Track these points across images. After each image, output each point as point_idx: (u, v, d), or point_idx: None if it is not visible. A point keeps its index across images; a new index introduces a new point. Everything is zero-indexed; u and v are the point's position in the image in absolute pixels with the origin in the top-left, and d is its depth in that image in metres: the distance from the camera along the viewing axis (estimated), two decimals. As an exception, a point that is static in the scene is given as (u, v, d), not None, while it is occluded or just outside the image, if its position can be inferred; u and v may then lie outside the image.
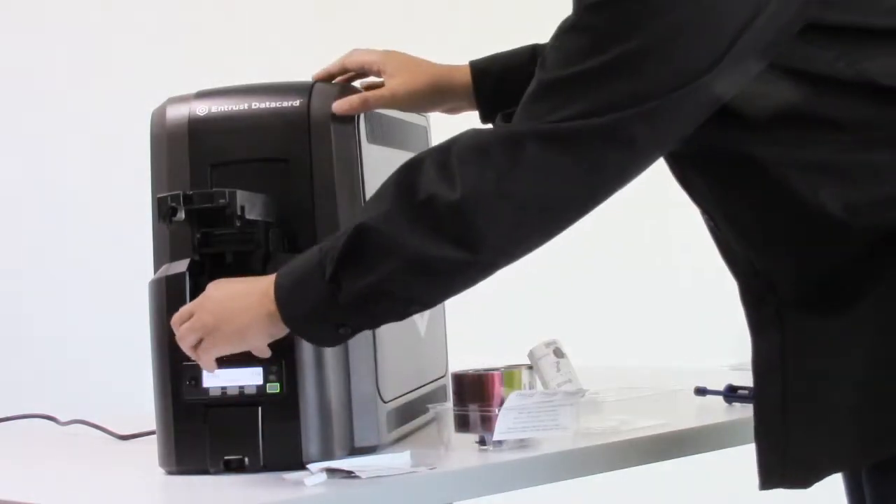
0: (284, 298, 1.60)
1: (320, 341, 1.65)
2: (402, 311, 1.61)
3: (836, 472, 1.60)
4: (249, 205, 1.68)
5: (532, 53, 1.91)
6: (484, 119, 1.94)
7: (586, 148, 1.49)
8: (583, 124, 1.47)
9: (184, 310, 1.66)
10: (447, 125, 2.00)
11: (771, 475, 1.58)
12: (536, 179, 1.50)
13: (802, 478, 1.56)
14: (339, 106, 1.76)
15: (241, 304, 1.62)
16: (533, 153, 1.49)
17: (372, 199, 1.60)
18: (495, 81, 1.90)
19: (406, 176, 1.56)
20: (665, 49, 1.47)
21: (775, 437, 1.58)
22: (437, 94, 1.88)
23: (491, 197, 1.50)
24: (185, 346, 1.65)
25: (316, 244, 1.72)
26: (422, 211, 1.52)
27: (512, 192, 1.50)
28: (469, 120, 1.96)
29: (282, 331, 1.63)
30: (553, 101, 1.50)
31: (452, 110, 1.94)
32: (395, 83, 1.84)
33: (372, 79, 1.89)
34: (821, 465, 1.56)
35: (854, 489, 1.67)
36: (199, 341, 1.64)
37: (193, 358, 1.66)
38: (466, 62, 1.91)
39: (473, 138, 1.53)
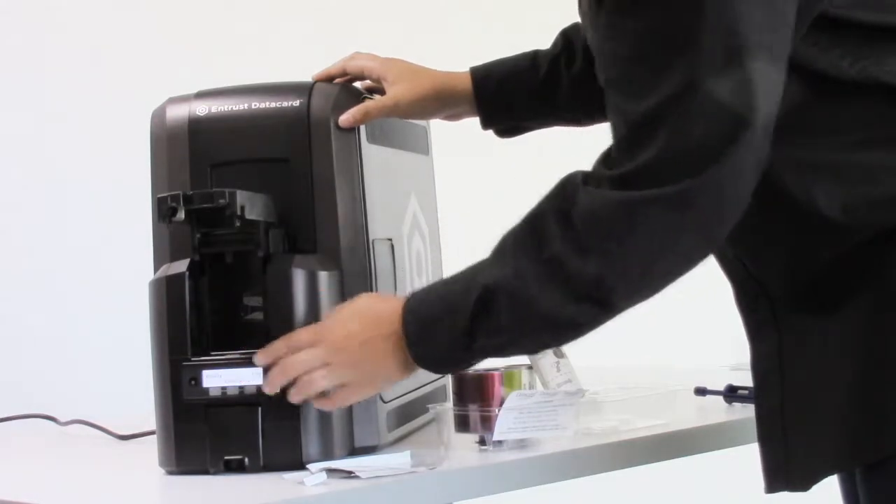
0: (417, 345, 1.59)
1: (451, 372, 1.68)
2: (534, 352, 1.65)
3: (832, 473, 1.60)
4: (249, 205, 1.67)
5: (533, 59, 1.91)
6: (485, 125, 1.94)
7: (701, 203, 1.48)
8: (693, 184, 1.46)
9: (303, 336, 1.63)
10: (447, 126, 2.00)
11: (775, 479, 1.59)
12: (657, 238, 1.49)
13: (803, 481, 1.56)
14: (344, 120, 1.76)
15: (373, 351, 1.61)
16: (652, 216, 1.48)
17: (493, 255, 1.57)
18: (496, 87, 1.90)
19: (527, 231, 1.55)
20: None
21: (777, 441, 1.58)
22: (439, 102, 1.89)
23: (616, 259, 1.50)
24: (297, 371, 1.62)
25: (316, 244, 1.72)
26: (550, 270, 1.51)
27: (634, 252, 1.50)
28: (470, 125, 1.96)
29: (411, 373, 1.64)
30: (643, 142, 1.48)
31: (453, 117, 1.94)
32: (396, 91, 1.84)
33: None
34: (819, 467, 1.56)
35: (849, 491, 1.67)
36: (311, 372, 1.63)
37: (308, 391, 1.63)
38: (467, 67, 1.91)
39: (592, 201, 1.50)
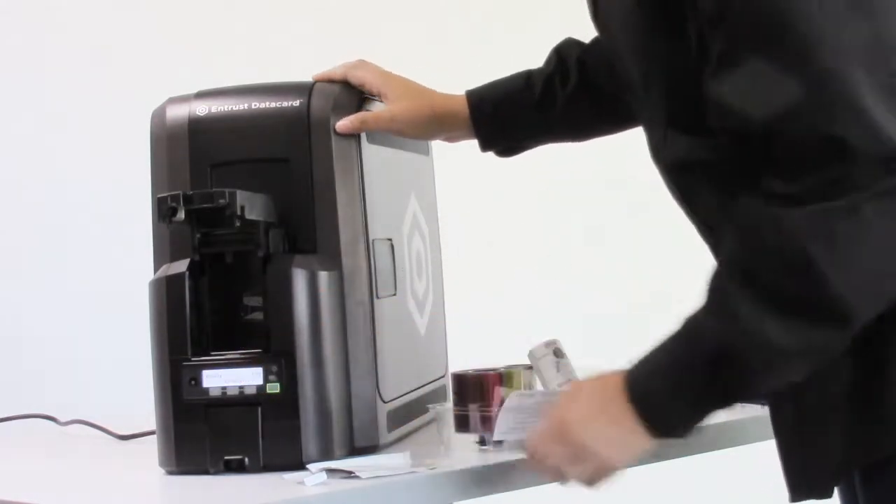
0: (654, 421, 1.55)
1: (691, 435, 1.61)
2: (776, 389, 1.56)
3: (845, 475, 1.59)
4: (249, 205, 1.68)
5: (527, 80, 1.90)
6: (483, 148, 1.93)
7: None
8: None
9: (545, 435, 1.60)
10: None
11: (798, 488, 1.58)
12: (888, 234, 1.44)
13: (825, 487, 1.57)
14: (341, 125, 1.77)
15: (612, 435, 1.57)
16: (881, 213, 1.43)
17: (707, 308, 1.51)
18: (492, 111, 1.90)
19: (734, 274, 1.48)
20: None
21: (796, 451, 1.58)
22: (436, 125, 1.90)
23: (849, 269, 1.44)
24: (550, 466, 1.60)
25: (316, 244, 1.72)
26: (777, 306, 1.45)
27: (868, 256, 1.44)
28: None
29: (656, 441, 1.59)
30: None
31: (450, 139, 1.95)
32: (395, 109, 1.85)
33: None
34: (834, 470, 1.56)
35: (847, 493, 1.67)
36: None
37: (568, 480, 1.60)
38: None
39: (808, 218, 1.43)
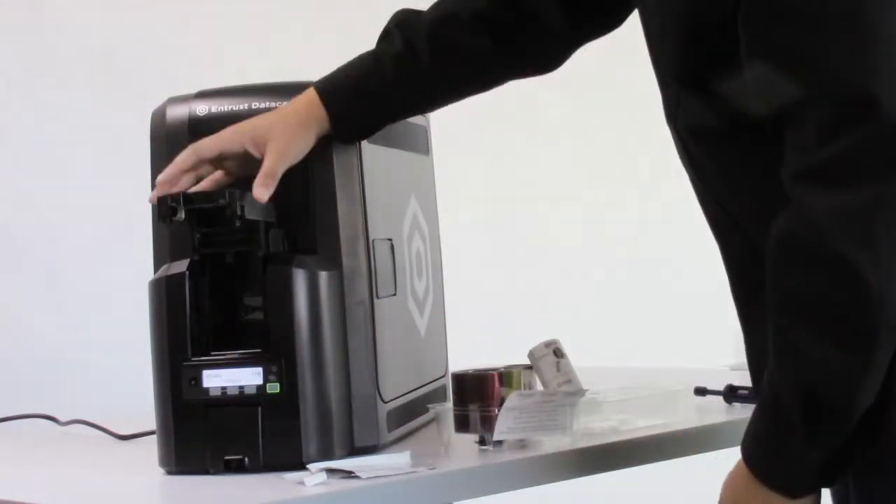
0: (785, 486, 1.52)
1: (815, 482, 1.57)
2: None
3: (832, 474, 1.59)
4: (249, 205, 1.68)
5: (376, 62, 1.81)
6: (340, 137, 1.79)
7: None
8: None
9: None
10: (447, 126, 2.00)
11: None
12: None
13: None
14: (259, 195, 1.67)
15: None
16: None
17: (774, 360, 1.48)
18: (345, 96, 1.78)
19: (790, 309, 1.45)
20: None
21: None
22: (309, 133, 1.76)
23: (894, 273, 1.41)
24: None
25: (316, 244, 1.72)
26: (840, 333, 1.43)
27: None
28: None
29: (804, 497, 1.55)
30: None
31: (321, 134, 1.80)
32: (275, 147, 1.73)
33: None
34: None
35: (840, 491, 1.66)
36: None
37: None
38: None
39: (843, 215, 1.41)
